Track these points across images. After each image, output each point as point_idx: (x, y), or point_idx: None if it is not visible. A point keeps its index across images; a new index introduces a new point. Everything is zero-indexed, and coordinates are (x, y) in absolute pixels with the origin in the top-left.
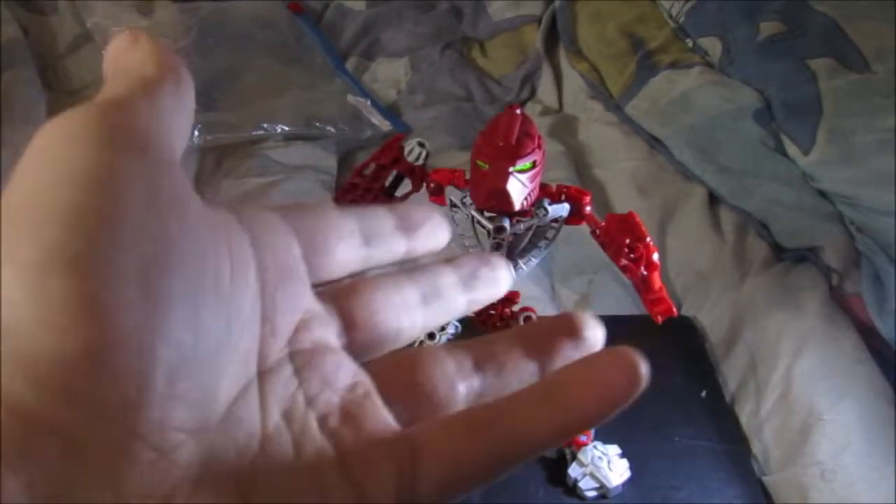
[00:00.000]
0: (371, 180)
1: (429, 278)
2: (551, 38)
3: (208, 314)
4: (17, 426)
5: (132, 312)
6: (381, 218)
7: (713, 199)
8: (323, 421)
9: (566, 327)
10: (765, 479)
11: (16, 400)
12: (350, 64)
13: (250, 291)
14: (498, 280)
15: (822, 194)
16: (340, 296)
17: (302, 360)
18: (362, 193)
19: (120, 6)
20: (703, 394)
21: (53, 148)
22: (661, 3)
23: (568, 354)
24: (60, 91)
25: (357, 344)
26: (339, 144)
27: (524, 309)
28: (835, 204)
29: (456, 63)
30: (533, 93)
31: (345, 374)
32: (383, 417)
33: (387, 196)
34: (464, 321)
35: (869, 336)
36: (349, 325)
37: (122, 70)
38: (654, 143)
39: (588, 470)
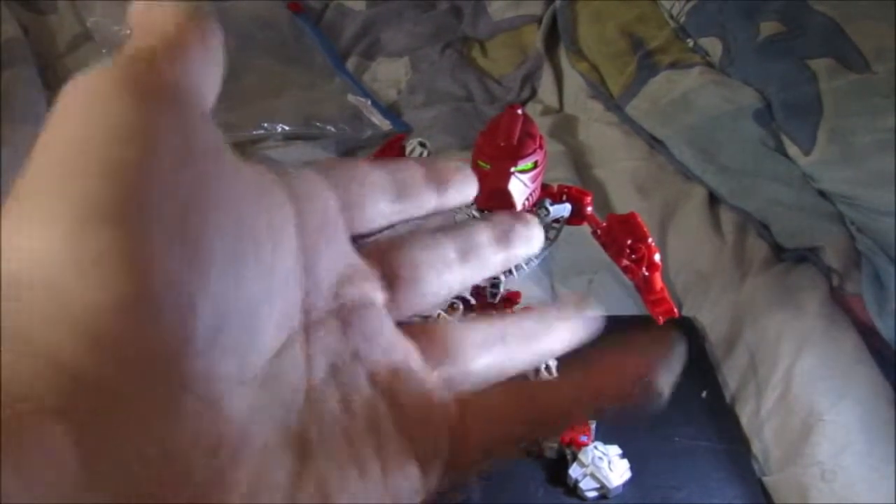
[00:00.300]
0: None
1: (465, 235)
2: (552, 38)
3: (247, 265)
4: (61, 379)
5: (172, 263)
6: (412, 171)
7: (713, 199)
8: (372, 375)
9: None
10: (765, 479)
11: (59, 353)
12: (350, 64)
13: (290, 244)
14: (531, 238)
15: (823, 194)
16: (381, 251)
17: (346, 314)
18: None
19: (120, 6)
20: (704, 394)
21: (84, 102)
22: (662, 3)
23: None
24: (60, 91)
25: (400, 299)
26: (339, 144)
27: (524, 309)
28: (835, 204)
29: (456, 63)
30: (533, 93)
31: (387, 332)
32: (428, 375)
33: None
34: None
35: (869, 336)
36: (391, 281)
37: (147, 24)
38: (654, 143)
39: (588, 470)
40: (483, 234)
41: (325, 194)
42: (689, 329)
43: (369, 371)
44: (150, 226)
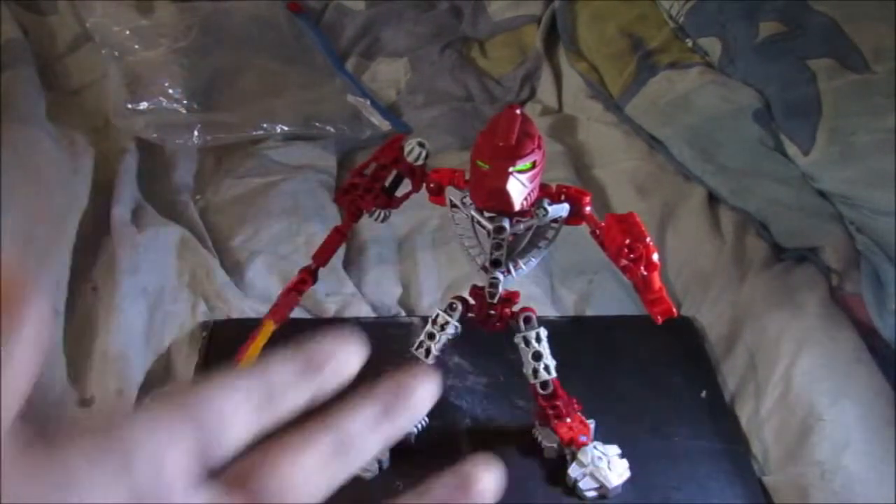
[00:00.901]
0: (371, 180)
1: (340, 425)
2: (551, 38)
3: None
4: None
5: None
6: (282, 369)
7: (713, 199)
8: None
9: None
10: (765, 479)
11: None
12: (350, 64)
13: None
14: (417, 405)
15: (822, 194)
16: (244, 473)
17: None
18: (362, 193)
19: (120, 6)
20: (703, 394)
21: None
22: (661, 3)
23: None
24: (60, 91)
25: None
26: (338, 144)
27: (524, 309)
28: (834, 204)
29: (456, 63)
30: (533, 93)
31: None
32: None
33: (387, 195)
34: (463, 322)
35: (869, 336)
36: None
37: None
38: (654, 143)
39: (588, 470)
40: (359, 420)
41: (168, 444)
42: (688, 329)
43: None
44: None
